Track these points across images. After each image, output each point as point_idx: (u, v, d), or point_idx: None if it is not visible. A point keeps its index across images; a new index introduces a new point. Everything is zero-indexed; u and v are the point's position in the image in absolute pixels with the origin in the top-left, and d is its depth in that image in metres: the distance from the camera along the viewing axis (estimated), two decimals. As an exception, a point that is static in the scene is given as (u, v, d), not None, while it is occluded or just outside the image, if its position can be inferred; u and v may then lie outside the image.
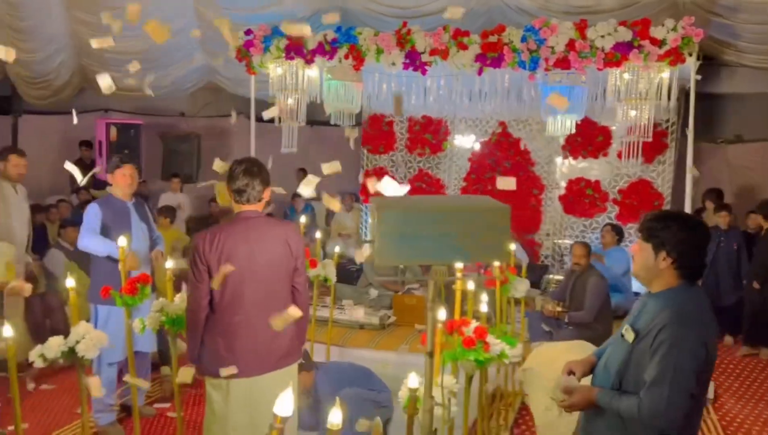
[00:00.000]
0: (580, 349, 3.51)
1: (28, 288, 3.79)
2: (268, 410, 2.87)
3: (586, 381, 2.33)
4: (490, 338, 2.85)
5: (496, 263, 3.94)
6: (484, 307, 3.31)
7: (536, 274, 7.02)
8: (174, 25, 7.06)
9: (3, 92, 9.01)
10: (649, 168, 7.05)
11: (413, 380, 2.11)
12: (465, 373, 2.96)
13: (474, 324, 2.78)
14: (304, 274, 3.01)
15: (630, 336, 2.14)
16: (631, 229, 7.20)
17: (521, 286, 4.42)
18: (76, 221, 5.85)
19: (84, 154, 8.89)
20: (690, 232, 2.12)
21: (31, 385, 4.84)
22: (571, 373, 2.29)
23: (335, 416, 1.51)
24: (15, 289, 3.76)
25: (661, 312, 2.08)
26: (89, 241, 3.98)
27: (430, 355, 1.81)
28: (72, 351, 2.87)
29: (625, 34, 4.90)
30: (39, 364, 2.89)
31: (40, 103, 8.76)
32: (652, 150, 6.94)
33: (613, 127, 6.91)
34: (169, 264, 3.49)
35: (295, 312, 2.54)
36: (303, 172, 9.88)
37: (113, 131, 7.75)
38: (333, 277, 4.71)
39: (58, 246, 5.98)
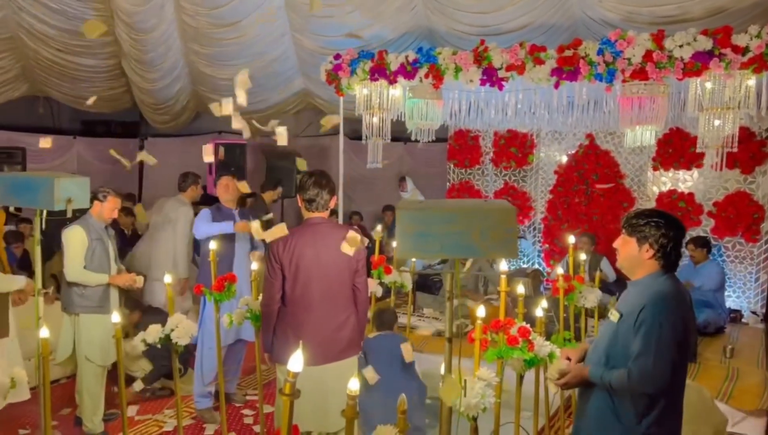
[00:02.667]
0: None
1: (140, 280, 4.38)
2: (330, 397, 3.19)
3: None
4: (538, 339, 2.98)
5: (560, 271, 4.03)
6: (539, 312, 3.45)
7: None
8: (274, 52, 7.72)
9: (132, 118, 10.19)
10: (747, 179, 6.74)
11: (443, 368, 2.33)
12: (515, 373, 3.11)
13: (519, 324, 2.93)
14: (364, 275, 3.31)
15: (615, 316, 2.43)
16: (728, 244, 6.90)
17: (591, 296, 4.43)
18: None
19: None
20: (668, 228, 2.36)
21: None
22: (567, 359, 2.48)
23: (353, 384, 1.78)
24: (128, 280, 4.35)
25: (642, 295, 2.36)
26: (207, 227, 4.55)
27: (449, 340, 2.02)
28: (168, 337, 3.34)
29: (705, 43, 4.80)
30: (141, 347, 3.38)
31: (162, 127, 9.82)
32: (751, 160, 6.67)
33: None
34: (254, 266, 3.92)
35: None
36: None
37: (221, 151, 8.56)
38: (408, 284, 4.99)
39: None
